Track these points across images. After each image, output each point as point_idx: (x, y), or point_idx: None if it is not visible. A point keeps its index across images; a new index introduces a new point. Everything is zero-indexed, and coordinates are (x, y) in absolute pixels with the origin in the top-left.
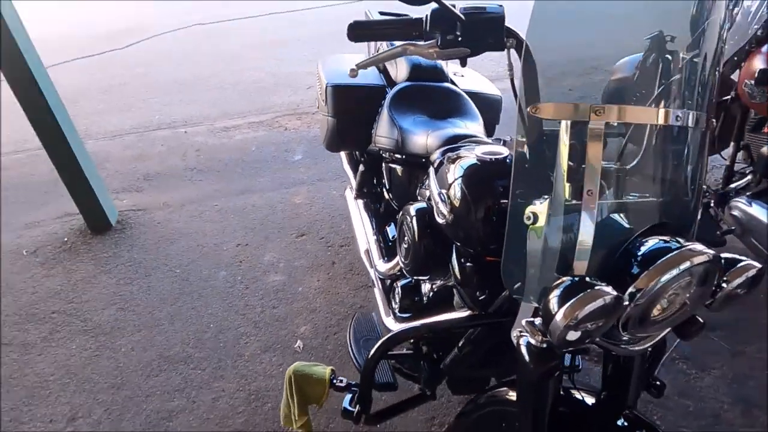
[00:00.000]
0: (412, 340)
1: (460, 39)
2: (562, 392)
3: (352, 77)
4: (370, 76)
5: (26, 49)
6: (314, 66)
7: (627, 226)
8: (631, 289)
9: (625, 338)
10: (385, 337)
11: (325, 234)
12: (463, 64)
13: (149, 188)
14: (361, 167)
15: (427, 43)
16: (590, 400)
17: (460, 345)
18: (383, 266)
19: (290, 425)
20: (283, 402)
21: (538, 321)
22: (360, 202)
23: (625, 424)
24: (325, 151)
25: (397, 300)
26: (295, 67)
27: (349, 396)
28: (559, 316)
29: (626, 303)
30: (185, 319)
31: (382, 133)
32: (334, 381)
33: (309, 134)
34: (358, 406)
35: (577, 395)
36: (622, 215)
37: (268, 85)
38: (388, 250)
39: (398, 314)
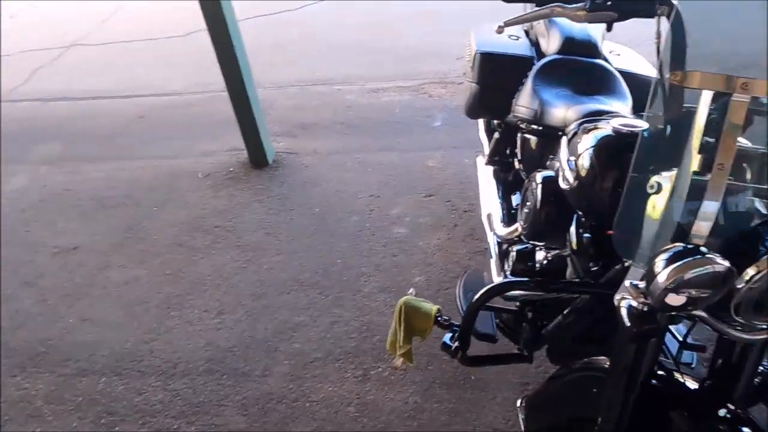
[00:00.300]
0: (518, 304)
1: (609, 2)
2: (662, 372)
3: (498, 33)
4: (521, 47)
5: (225, 5)
6: (466, 38)
7: (763, 210)
8: (750, 270)
9: (737, 323)
10: (492, 284)
11: (452, 198)
12: (609, 28)
13: (302, 135)
14: (497, 135)
15: (576, 5)
16: (692, 386)
17: (565, 312)
18: (502, 230)
19: (393, 352)
20: (391, 330)
21: (642, 284)
22: (490, 168)
23: (727, 416)
24: (463, 120)
25: (511, 263)
26: (447, 37)
27: (450, 334)
28: (661, 277)
29: (741, 285)
30: (318, 251)
31: (522, 103)
32: (439, 318)
33: (451, 103)
34: (457, 343)
35: (678, 377)
36: (759, 199)
37: (419, 53)
38: (509, 216)
39: (509, 276)
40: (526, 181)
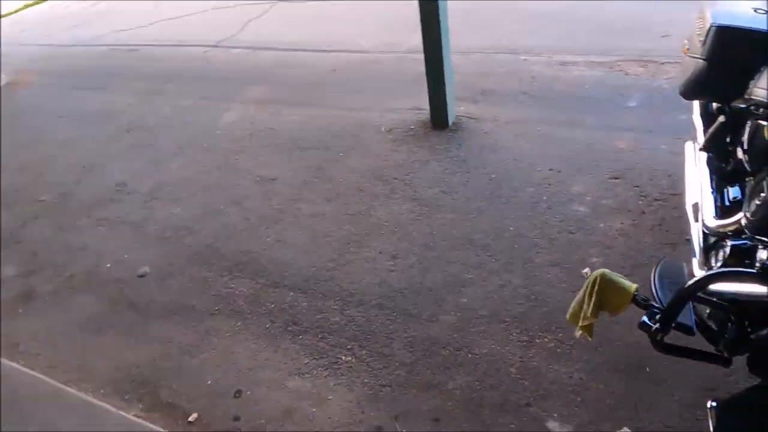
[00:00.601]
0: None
1: None
2: None
3: None
4: None
5: None
6: (677, 14)
7: None
8: None
9: None
10: (714, 271)
11: (641, 183)
12: None
13: (484, 102)
14: (721, 119)
15: None
16: None
17: None
18: (714, 222)
19: (575, 323)
20: (577, 300)
21: None
22: (703, 155)
23: None
24: (664, 104)
25: (721, 257)
26: (652, 11)
27: (647, 315)
28: None
29: None
30: (490, 216)
31: (765, 86)
32: (638, 297)
33: (651, 83)
34: (657, 324)
35: None
36: None
37: (618, 27)
38: (723, 208)
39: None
40: (762, 171)
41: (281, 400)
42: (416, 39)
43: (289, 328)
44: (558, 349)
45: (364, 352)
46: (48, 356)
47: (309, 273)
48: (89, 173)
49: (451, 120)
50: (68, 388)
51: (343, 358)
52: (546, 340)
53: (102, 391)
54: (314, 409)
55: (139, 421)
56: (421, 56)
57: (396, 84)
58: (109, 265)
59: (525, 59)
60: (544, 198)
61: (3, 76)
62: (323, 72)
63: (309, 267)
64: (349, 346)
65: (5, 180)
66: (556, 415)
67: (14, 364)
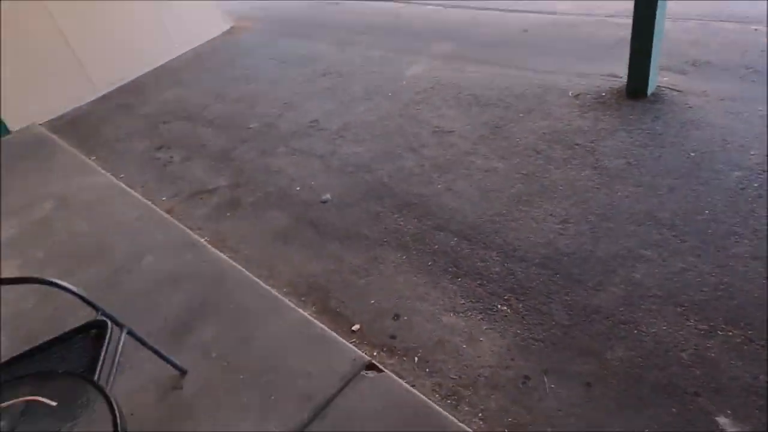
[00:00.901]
0: None
1: None
2: None
3: None
4: None
5: None
6: None
7: None
8: None
9: None
10: None
11: None
12: None
13: (693, 73)
14: None
15: None
16: None
17: None
18: None
19: None
20: None
21: None
22: None
23: None
24: None
25: None
26: None
27: None
28: None
29: None
30: (683, 195)
31: None
32: None
33: None
34: None
35: None
36: None
37: None
38: None
39: None
40: None
41: (435, 331)
42: (618, 4)
43: (449, 269)
44: (744, 346)
45: (520, 305)
46: (246, 253)
47: (474, 223)
48: (289, 109)
49: (650, 90)
50: (259, 281)
51: (499, 306)
52: (731, 334)
53: (284, 289)
54: (465, 346)
55: (312, 319)
56: (622, 21)
57: (591, 48)
58: (298, 189)
59: (756, 29)
60: (755, 185)
61: (228, 21)
62: (513, 32)
63: (475, 217)
64: (506, 297)
65: (225, 108)
66: (729, 412)
67: (222, 255)
